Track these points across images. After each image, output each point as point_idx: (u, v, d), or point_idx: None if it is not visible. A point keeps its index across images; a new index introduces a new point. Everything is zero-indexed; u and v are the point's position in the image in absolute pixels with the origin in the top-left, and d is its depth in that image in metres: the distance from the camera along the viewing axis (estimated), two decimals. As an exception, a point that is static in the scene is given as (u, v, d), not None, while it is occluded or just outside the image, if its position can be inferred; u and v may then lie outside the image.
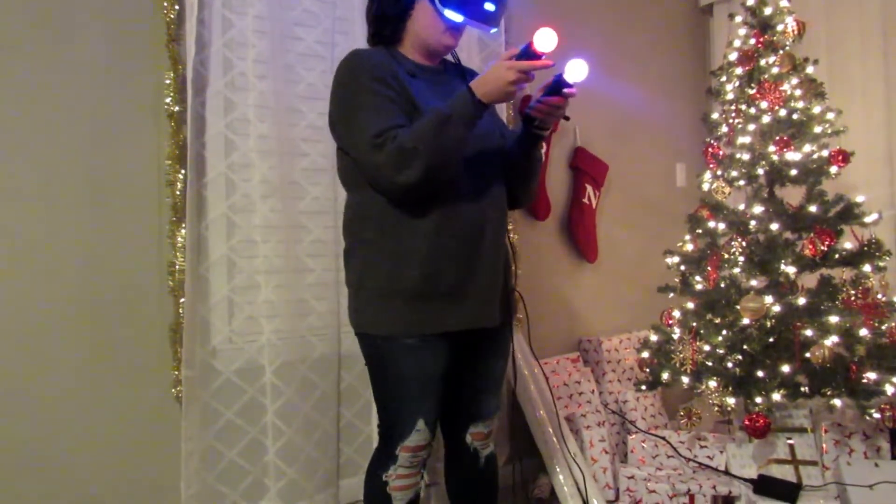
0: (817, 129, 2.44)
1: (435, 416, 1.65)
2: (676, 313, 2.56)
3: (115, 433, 1.91)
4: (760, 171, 2.49)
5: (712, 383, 2.32)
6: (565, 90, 1.51)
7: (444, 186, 1.55)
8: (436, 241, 1.56)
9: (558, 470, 2.39)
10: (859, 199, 2.39)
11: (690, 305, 2.52)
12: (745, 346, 2.36)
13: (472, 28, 1.71)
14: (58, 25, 1.84)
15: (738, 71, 2.60)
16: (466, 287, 1.60)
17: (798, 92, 2.48)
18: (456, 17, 1.59)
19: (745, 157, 2.52)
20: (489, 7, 1.60)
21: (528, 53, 1.46)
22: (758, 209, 2.46)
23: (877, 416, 2.17)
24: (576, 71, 1.48)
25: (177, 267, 1.98)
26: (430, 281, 1.56)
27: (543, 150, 2.74)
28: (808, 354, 2.21)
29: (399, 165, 1.46)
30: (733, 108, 2.59)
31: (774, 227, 2.42)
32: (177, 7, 1.98)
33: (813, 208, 2.39)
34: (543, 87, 1.55)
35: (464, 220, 1.59)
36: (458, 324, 1.60)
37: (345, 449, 2.29)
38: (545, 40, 1.44)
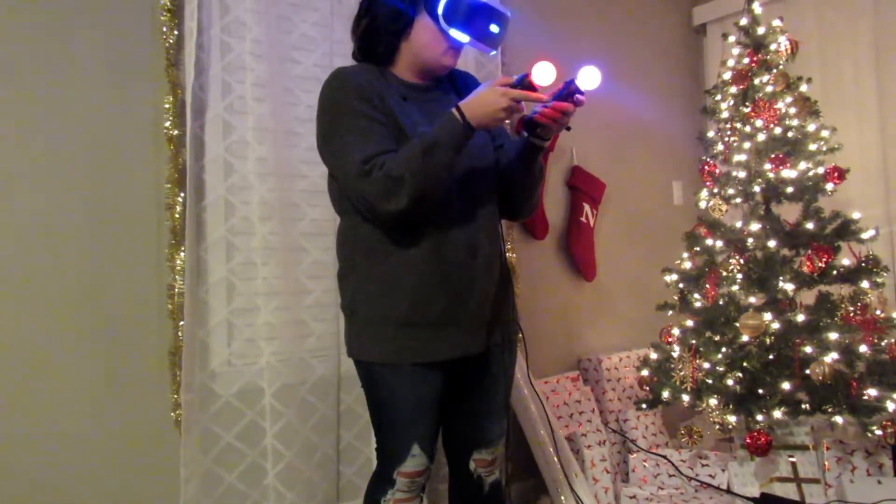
0: (812, 147, 2.47)
1: (431, 440, 1.62)
2: (676, 331, 2.57)
3: (114, 457, 1.90)
4: (757, 189, 2.51)
5: (713, 401, 2.32)
6: (577, 96, 1.45)
7: (434, 210, 1.51)
8: (426, 267, 1.53)
9: (559, 491, 2.37)
10: (855, 215, 2.41)
11: (689, 323, 2.53)
12: (744, 364, 2.36)
13: (469, 49, 1.67)
14: (57, 50, 1.85)
15: (733, 90, 2.63)
16: (458, 314, 1.56)
17: (792, 110, 2.51)
18: (462, 37, 1.53)
19: (742, 174, 2.54)
20: (494, 29, 1.54)
21: (525, 84, 1.44)
22: (755, 226, 2.47)
23: (878, 432, 2.16)
24: (589, 78, 1.44)
25: (176, 290, 1.98)
26: (421, 309, 1.53)
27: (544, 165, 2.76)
28: (808, 371, 2.22)
29: (386, 194, 1.42)
30: (729, 126, 2.62)
31: (772, 244, 2.43)
32: (176, 32, 2.00)
33: (810, 225, 2.41)
34: (553, 91, 1.48)
35: (455, 244, 1.55)
36: (449, 352, 1.57)
37: (344, 471, 2.27)
38: (544, 74, 1.41)
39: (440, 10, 1.51)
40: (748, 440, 2.27)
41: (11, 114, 1.79)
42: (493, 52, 1.63)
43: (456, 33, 1.53)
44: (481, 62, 2.64)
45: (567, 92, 1.46)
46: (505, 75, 1.48)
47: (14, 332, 1.77)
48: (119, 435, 1.91)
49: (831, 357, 2.19)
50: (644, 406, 2.58)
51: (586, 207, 3.07)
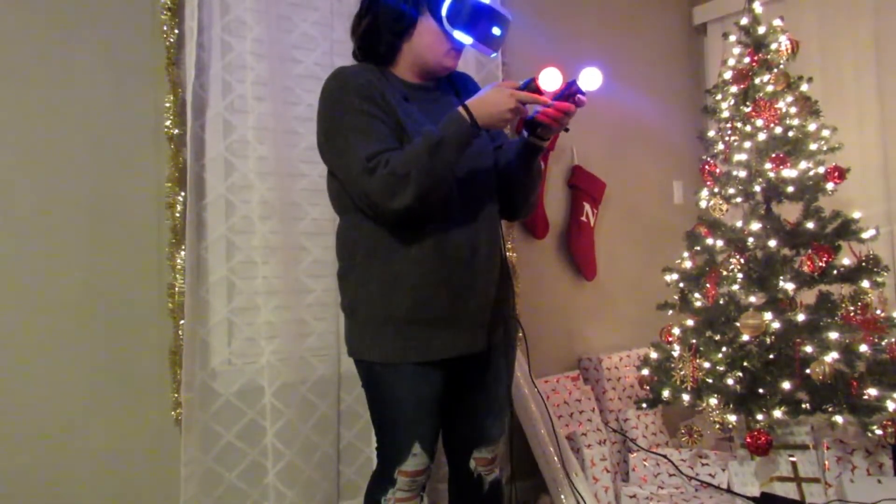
0: (813, 146, 2.47)
1: (432, 439, 1.63)
2: (676, 330, 2.57)
3: (115, 456, 1.90)
4: (757, 188, 2.51)
5: (713, 401, 2.32)
6: (578, 97, 1.47)
7: (435, 209, 1.52)
8: (427, 266, 1.53)
9: (560, 490, 2.37)
10: (856, 215, 2.41)
11: (690, 322, 2.53)
12: (745, 363, 2.36)
13: (469, 49, 1.68)
14: (58, 50, 1.85)
15: (734, 89, 2.62)
16: (458, 312, 1.57)
17: (793, 109, 2.50)
18: (465, 38, 1.54)
19: (742, 174, 2.54)
20: (496, 31, 1.55)
21: (531, 88, 1.45)
22: (755, 226, 2.47)
23: (879, 432, 2.16)
24: (590, 79, 1.46)
25: (176, 289, 1.98)
26: (422, 308, 1.54)
27: (543, 166, 2.75)
28: (808, 371, 2.22)
29: (391, 192, 1.43)
30: (729, 125, 2.62)
31: (772, 243, 2.43)
32: (176, 31, 2.00)
33: (810, 225, 2.41)
34: (554, 91, 1.49)
35: (456, 242, 1.55)
36: (450, 350, 1.57)
37: (345, 470, 2.27)
38: (550, 79, 1.43)
39: (444, 11, 1.52)
40: (748, 439, 2.27)
41: (12, 112, 1.79)
42: (494, 55, 1.64)
43: (459, 35, 1.54)
44: (482, 63, 2.64)
45: (569, 92, 1.47)
46: (509, 79, 1.48)
47: (14, 330, 1.78)
48: (119, 433, 1.91)
49: (831, 356, 2.19)
50: (644, 405, 2.58)
51: (587, 207, 3.07)
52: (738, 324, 2.35)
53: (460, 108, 1.45)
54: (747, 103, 2.58)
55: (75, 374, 1.85)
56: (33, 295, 1.80)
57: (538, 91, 1.46)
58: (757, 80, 2.57)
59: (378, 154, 1.44)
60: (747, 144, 2.55)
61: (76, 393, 1.85)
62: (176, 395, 1.97)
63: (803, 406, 2.27)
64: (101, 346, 1.89)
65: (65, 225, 1.85)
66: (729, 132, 2.61)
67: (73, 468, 1.84)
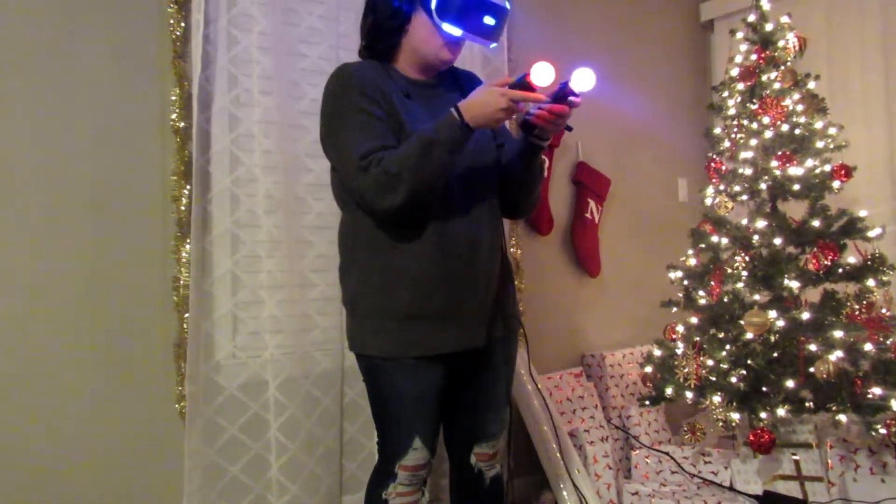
0: (819, 144, 2.46)
1: (433, 434, 1.63)
2: (680, 328, 2.56)
3: (119, 448, 1.91)
4: (763, 186, 2.50)
5: (716, 398, 2.32)
6: (571, 98, 1.45)
7: (435, 205, 1.52)
8: (427, 261, 1.53)
9: (562, 486, 2.38)
10: (862, 213, 2.40)
11: (694, 320, 2.52)
12: (749, 361, 2.35)
13: (472, 43, 1.68)
14: (64, 42, 1.86)
15: (740, 86, 2.61)
16: (459, 307, 1.57)
17: (800, 107, 2.49)
18: (454, 31, 1.54)
19: (748, 171, 2.53)
20: (489, 21, 1.54)
21: (524, 85, 1.42)
22: (761, 224, 2.46)
23: (882, 431, 2.16)
24: (583, 80, 1.42)
25: (181, 282, 1.98)
26: (422, 303, 1.54)
27: (546, 164, 2.76)
28: (812, 369, 2.21)
29: (382, 191, 1.44)
30: (735, 123, 2.61)
31: (777, 241, 2.42)
32: (183, 24, 2.00)
33: (816, 223, 2.40)
34: (548, 93, 1.47)
35: (457, 238, 1.55)
36: (450, 345, 1.58)
37: (347, 465, 2.28)
38: (542, 75, 1.40)
39: (433, 4, 1.52)
40: (751, 438, 2.26)
41: (19, 106, 1.79)
42: (493, 45, 1.62)
43: (448, 27, 1.54)
44: (488, 58, 2.63)
45: (561, 94, 1.45)
46: (505, 76, 1.45)
47: (20, 323, 1.78)
48: (123, 426, 1.92)
49: (836, 355, 2.19)
50: (647, 402, 2.58)
51: (591, 203, 3.07)
52: (742, 322, 2.34)
53: (453, 109, 1.45)
54: (754, 101, 2.57)
55: (79, 366, 1.86)
56: (38, 287, 1.81)
57: (531, 88, 1.43)
58: (764, 78, 2.55)
59: (373, 152, 1.45)
60: (753, 142, 2.54)
61: (80, 386, 1.86)
62: (180, 389, 1.97)
63: (807, 404, 2.26)
64: (106, 338, 1.90)
65: (70, 217, 1.86)
66: (735, 130, 2.60)
67: (78, 460, 1.85)
